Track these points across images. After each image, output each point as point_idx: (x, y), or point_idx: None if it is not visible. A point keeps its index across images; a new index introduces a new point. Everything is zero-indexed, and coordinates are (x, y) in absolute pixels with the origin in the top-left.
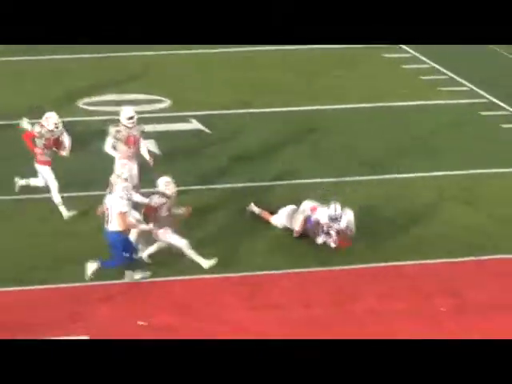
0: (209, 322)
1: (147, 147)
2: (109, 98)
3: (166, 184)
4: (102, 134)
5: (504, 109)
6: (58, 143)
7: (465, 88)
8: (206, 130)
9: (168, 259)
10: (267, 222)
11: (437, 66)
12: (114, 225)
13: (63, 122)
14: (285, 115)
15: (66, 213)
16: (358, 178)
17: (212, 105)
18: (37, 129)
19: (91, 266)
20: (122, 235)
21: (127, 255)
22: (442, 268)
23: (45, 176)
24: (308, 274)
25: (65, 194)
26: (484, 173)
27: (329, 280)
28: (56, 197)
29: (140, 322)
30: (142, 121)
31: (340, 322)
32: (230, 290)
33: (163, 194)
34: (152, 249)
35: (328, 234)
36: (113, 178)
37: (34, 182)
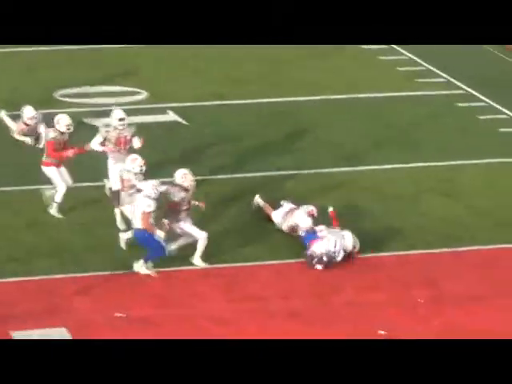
0: (187, 314)
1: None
2: (85, 91)
3: (182, 176)
4: (79, 126)
5: (481, 100)
6: (66, 146)
7: (441, 79)
8: (183, 122)
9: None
10: (268, 216)
11: (414, 58)
12: (137, 222)
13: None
14: (259, 107)
15: (54, 212)
16: (333, 170)
17: (188, 97)
18: (51, 134)
19: (139, 267)
20: (145, 231)
21: (162, 245)
22: (420, 259)
23: (51, 176)
24: (287, 266)
25: (39, 186)
26: (461, 164)
27: (308, 272)
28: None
29: (118, 314)
30: None
31: (319, 314)
32: (208, 282)
33: (181, 187)
34: (181, 241)
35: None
36: (125, 175)
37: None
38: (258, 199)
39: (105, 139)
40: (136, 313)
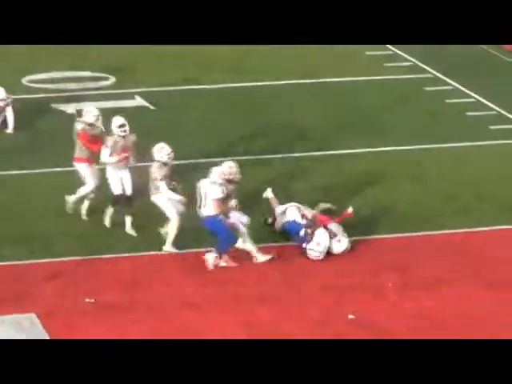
0: (157, 298)
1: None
2: (53, 76)
3: (229, 168)
4: (46, 112)
5: (448, 84)
6: (97, 140)
7: (409, 63)
8: (150, 107)
9: (115, 236)
10: (273, 210)
11: None
12: (208, 209)
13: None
14: (227, 92)
15: (70, 206)
16: (303, 155)
17: (155, 82)
18: (80, 126)
19: (212, 259)
20: (218, 217)
21: (231, 232)
22: (389, 243)
23: (82, 173)
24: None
25: (5, 172)
26: (429, 148)
27: (280, 257)
28: (80, 192)
29: (88, 299)
30: (87, 98)
31: (291, 298)
32: (179, 266)
33: (228, 180)
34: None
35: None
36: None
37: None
38: (268, 193)
39: (112, 150)
40: (105, 298)
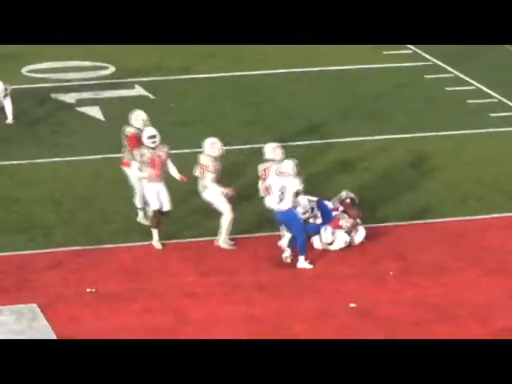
0: (157, 287)
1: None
2: (53, 65)
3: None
4: (46, 102)
5: (449, 71)
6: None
7: (409, 51)
8: (150, 96)
9: (116, 225)
10: None
11: None
12: (287, 203)
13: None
14: (226, 80)
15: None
16: (303, 143)
17: (154, 71)
18: (130, 130)
19: (287, 256)
20: (295, 209)
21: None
22: (390, 231)
23: (129, 176)
24: (256, 240)
25: (5, 162)
26: (430, 136)
27: (276, 246)
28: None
29: (89, 289)
30: (88, 87)
31: (289, 287)
32: (178, 256)
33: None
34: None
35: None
36: (201, 159)
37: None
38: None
39: (142, 163)
40: (107, 288)
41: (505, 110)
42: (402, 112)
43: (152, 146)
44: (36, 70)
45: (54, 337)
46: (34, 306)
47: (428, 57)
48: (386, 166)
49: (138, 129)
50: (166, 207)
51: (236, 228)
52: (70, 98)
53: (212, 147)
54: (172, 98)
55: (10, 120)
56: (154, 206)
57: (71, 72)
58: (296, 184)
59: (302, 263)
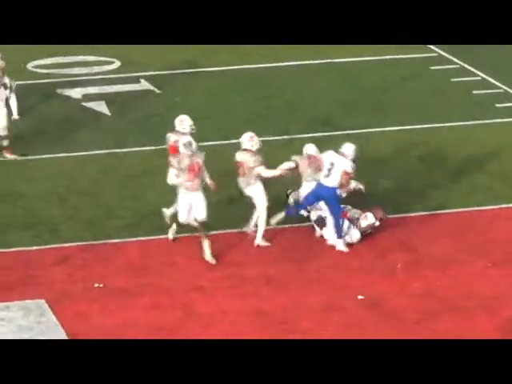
0: (165, 282)
1: None
2: (58, 61)
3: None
4: (51, 97)
5: (454, 62)
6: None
7: None
8: (156, 90)
9: (123, 220)
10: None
11: None
12: (332, 180)
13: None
14: (231, 74)
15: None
16: (309, 135)
17: (160, 65)
18: (174, 138)
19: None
20: (337, 189)
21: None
22: (397, 223)
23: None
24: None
25: (11, 158)
26: (436, 127)
27: (283, 238)
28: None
29: (97, 284)
30: (93, 82)
31: (296, 280)
32: (184, 250)
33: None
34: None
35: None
36: (238, 156)
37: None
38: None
39: (179, 170)
40: (114, 283)
41: (511, 101)
42: (407, 103)
43: (188, 153)
44: (41, 66)
45: (62, 332)
46: (42, 301)
47: (433, 48)
48: (392, 158)
49: (183, 134)
50: (200, 217)
51: (243, 221)
52: (75, 93)
53: (251, 141)
54: (178, 93)
55: (15, 116)
56: (181, 218)
57: (76, 67)
58: (347, 165)
59: (341, 246)
